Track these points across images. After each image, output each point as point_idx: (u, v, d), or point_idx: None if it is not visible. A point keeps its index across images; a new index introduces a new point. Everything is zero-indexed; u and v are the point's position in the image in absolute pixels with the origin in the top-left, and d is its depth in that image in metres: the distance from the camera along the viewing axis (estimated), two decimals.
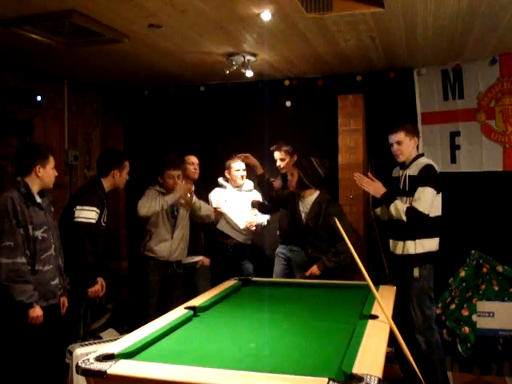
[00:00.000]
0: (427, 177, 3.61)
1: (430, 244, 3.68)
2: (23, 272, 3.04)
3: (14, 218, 3.06)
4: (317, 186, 4.08)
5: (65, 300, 3.45)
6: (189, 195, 4.33)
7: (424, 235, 3.66)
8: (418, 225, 3.61)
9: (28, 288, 3.05)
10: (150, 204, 4.15)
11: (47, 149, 3.39)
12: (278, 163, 4.87)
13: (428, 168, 3.64)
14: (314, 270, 3.91)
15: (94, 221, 3.80)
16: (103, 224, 3.92)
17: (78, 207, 3.78)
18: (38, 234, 3.17)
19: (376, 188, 3.75)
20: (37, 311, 3.08)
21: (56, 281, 3.30)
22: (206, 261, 4.75)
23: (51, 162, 3.30)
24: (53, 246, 3.29)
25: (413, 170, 3.69)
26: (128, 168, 4.10)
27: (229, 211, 4.86)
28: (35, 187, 3.24)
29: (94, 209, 3.80)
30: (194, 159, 4.71)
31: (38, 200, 3.25)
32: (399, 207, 3.60)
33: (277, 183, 4.80)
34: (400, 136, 3.75)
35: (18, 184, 3.18)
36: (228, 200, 4.88)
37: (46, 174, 3.26)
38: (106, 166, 4.00)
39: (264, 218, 4.93)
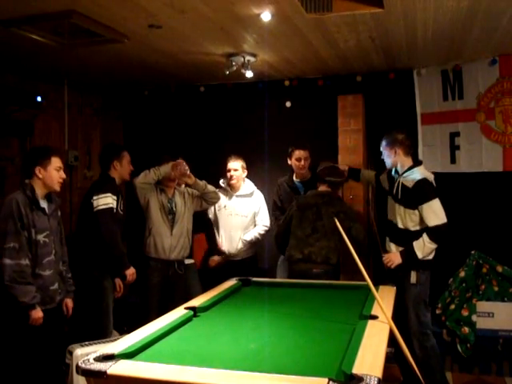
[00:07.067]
0: (426, 192, 3.66)
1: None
2: (26, 274, 3.06)
3: (18, 221, 3.07)
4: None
5: (68, 302, 3.46)
6: (185, 168, 4.28)
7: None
8: (443, 237, 3.65)
9: (31, 289, 3.06)
10: (145, 173, 4.23)
11: (49, 149, 3.37)
12: (302, 163, 4.61)
13: (423, 183, 3.67)
14: None
15: (112, 205, 3.88)
16: (120, 212, 4.00)
17: (94, 197, 3.86)
18: (40, 238, 3.17)
19: (395, 259, 3.75)
20: (38, 313, 3.09)
21: (55, 286, 3.30)
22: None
23: (54, 163, 3.26)
24: (53, 251, 3.28)
25: (406, 180, 3.74)
26: (128, 158, 4.15)
27: (224, 227, 4.73)
28: (40, 190, 3.23)
29: (109, 195, 3.88)
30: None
31: (43, 205, 3.24)
32: (421, 245, 3.62)
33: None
34: (381, 146, 3.93)
35: (24, 187, 3.19)
36: (227, 206, 4.73)
37: (47, 176, 3.23)
38: (106, 160, 4.09)
39: (259, 230, 4.75)
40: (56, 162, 3.28)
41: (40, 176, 3.21)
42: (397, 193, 3.79)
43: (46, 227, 3.22)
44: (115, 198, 3.93)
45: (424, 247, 3.62)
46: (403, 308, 3.68)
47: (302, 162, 4.64)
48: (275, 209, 4.77)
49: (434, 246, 3.63)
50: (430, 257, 3.72)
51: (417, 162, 3.89)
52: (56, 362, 3.35)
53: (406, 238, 3.71)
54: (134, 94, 5.83)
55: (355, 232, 4.08)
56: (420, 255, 3.63)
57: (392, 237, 3.85)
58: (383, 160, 3.97)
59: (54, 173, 3.26)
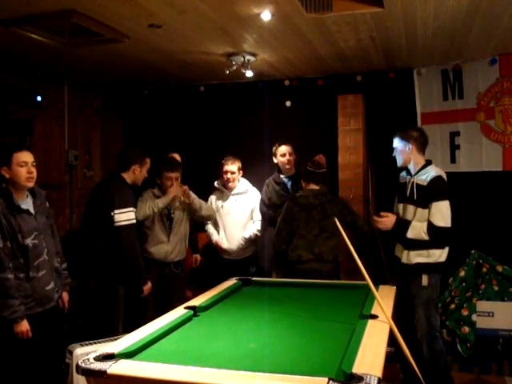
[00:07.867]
0: (439, 190, 3.59)
1: (441, 254, 3.66)
2: (7, 287, 2.94)
3: None
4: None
5: (64, 295, 3.42)
6: (182, 198, 4.28)
7: (435, 246, 3.63)
8: (441, 239, 3.61)
9: (12, 303, 2.95)
10: (141, 207, 4.10)
11: (11, 146, 3.22)
12: (287, 158, 4.69)
13: (438, 180, 3.61)
14: None
15: (134, 220, 3.88)
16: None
17: (116, 211, 3.80)
18: (29, 241, 3.08)
19: (389, 223, 3.73)
20: (21, 326, 2.98)
21: (51, 285, 3.24)
22: (198, 258, 4.88)
23: (16, 159, 3.07)
24: (45, 250, 3.20)
25: (421, 179, 3.67)
26: (148, 166, 4.09)
27: (223, 226, 4.78)
28: (16, 191, 3.10)
29: (131, 209, 3.88)
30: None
31: (25, 206, 3.12)
32: (418, 229, 3.57)
33: None
34: (394, 142, 3.83)
35: (2, 192, 3.07)
36: (224, 205, 4.77)
37: (13, 174, 3.07)
38: (127, 161, 4.00)
39: (256, 226, 4.78)
40: (19, 157, 3.09)
41: (7, 176, 3.07)
42: (411, 194, 3.69)
43: (33, 228, 3.12)
44: (135, 210, 3.94)
45: (417, 232, 3.57)
46: (412, 311, 3.66)
47: (287, 157, 4.71)
48: (262, 206, 4.79)
49: (426, 237, 3.56)
50: (442, 259, 3.66)
51: (428, 162, 3.80)
52: (55, 361, 3.34)
53: (423, 242, 3.61)
54: (134, 94, 5.83)
55: (361, 223, 4.18)
56: (409, 235, 3.59)
57: (407, 245, 3.70)
58: (394, 157, 3.86)
59: (17, 169, 3.07)
